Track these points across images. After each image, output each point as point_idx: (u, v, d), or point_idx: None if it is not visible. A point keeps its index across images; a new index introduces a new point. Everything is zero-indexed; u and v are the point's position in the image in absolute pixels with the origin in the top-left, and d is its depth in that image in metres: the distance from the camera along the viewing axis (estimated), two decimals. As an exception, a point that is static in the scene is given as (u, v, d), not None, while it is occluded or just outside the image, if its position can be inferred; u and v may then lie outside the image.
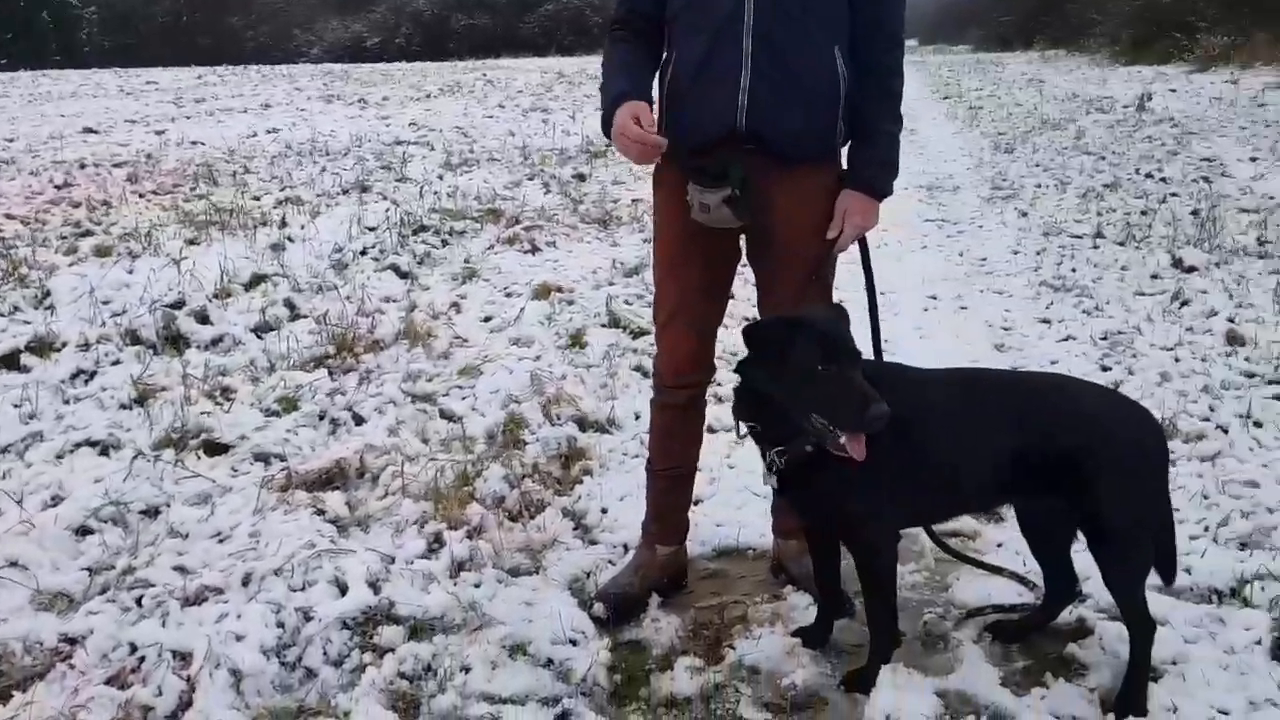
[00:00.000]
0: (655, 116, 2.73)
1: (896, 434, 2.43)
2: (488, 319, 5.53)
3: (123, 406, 4.19)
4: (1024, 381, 2.87)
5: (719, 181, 2.65)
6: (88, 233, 7.28)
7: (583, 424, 4.18)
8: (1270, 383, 4.61)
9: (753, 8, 2.61)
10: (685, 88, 2.73)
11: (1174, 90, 17.27)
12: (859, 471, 2.45)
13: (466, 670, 2.64)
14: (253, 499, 3.35)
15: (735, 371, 2.59)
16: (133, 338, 4.91)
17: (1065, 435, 2.50)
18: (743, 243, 2.91)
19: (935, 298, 6.36)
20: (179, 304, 5.33)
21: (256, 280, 5.93)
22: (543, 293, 5.93)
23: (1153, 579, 2.97)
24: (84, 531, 3.19)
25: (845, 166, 2.81)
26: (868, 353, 2.86)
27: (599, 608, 2.95)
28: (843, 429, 2.33)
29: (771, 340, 2.46)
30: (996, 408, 2.56)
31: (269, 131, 13.15)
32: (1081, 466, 2.48)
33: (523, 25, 44.68)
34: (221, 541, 3.13)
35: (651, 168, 2.93)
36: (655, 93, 2.84)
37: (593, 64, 28.69)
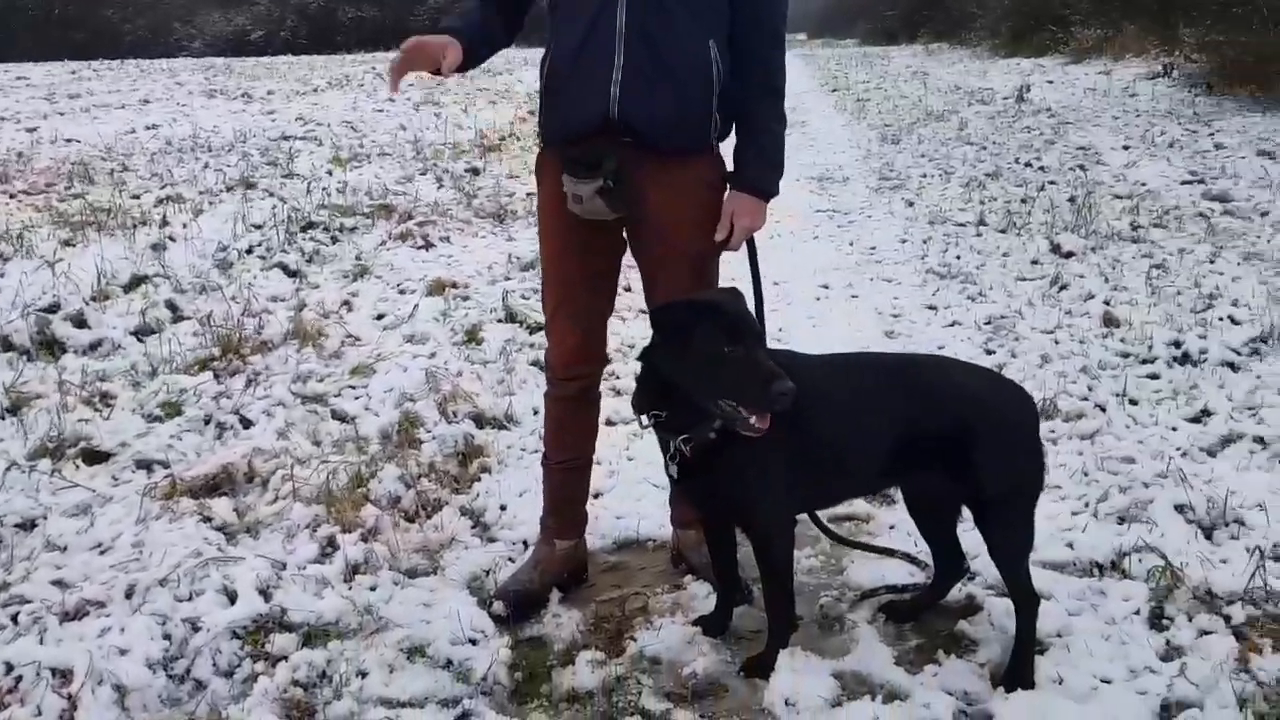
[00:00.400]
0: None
1: (789, 420, 2.47)
2: (380, 317, 5.44)
3: (-6, 415, 4.00)
4: (905, 363, 2.93)
5: (592, 172, 2.66)
6: (-46, 235, 6.93)
7: (480, 421, 4.14)
8: (1144, 362, 4.80)
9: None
10: (562, 78, 2.72)
11: (1051, 82, 17.85)
12: (755, 459, 2.49)
13: (363, 675, 2.59)
14: (135, 508, 3.24)
15: (639, 359, 2.59)
16: (4, 344, 4.70)
17: (946, 414, 2.57)
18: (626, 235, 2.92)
19: (827, 286, 6.46)
20: (54, 308, 5.12)
21: (136, 282, 5.73)
22: (437, 289, 5.86)
23: (1037, 555, 3.10)
24: (-46, 548, 3.04)
25: (731, 166, 2.81)
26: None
27: (499, 606, 2.92)
28: (751, 409, 2.35)
29: (678, 323, 2.46)
30: (881, 390, 2.62)
31: (148, 128, 12.70)
32: (962, 444, 2.56)
33: (413, 17, 43.98)
34: (103, 553, 3.02)
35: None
36: (537, 84, 2.86)
37: (484, 57, 28.41)
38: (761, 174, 2.79)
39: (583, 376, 3.02)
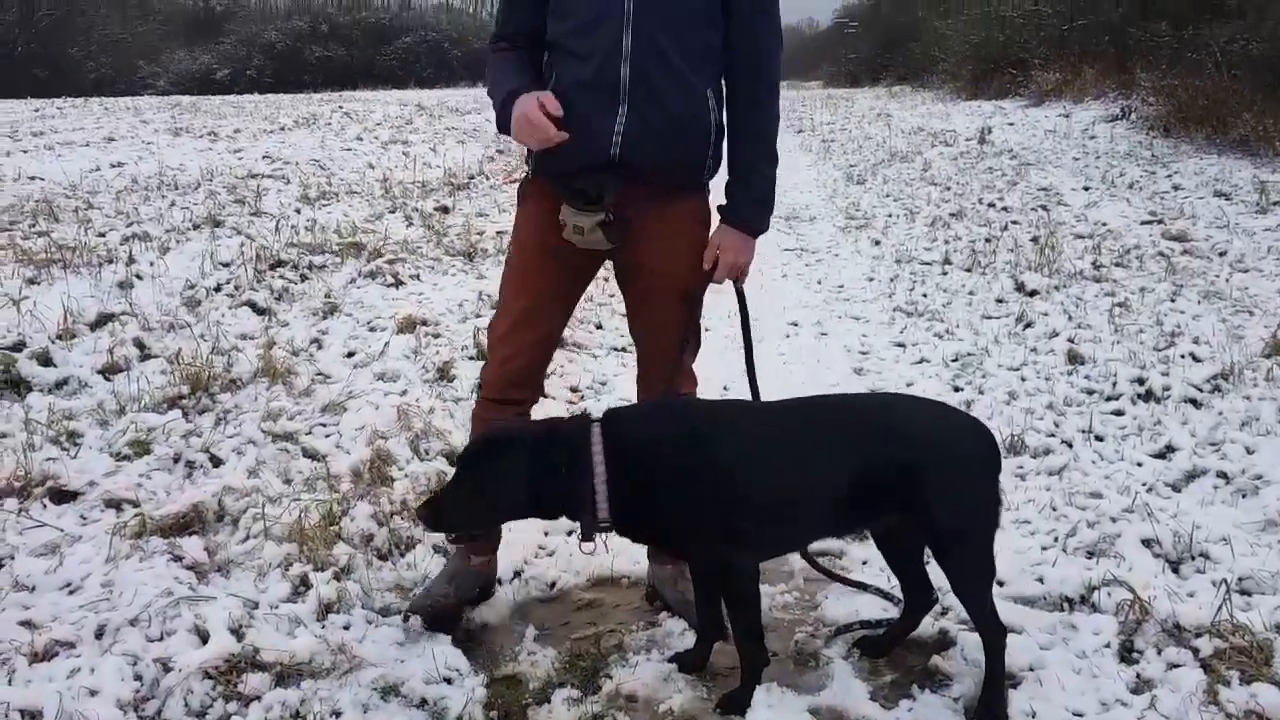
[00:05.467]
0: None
1: (730, 469, 2.51)
2: (351, 354, 5.42)
3: (-42, 455, 3.94)
4: (852, 405, 2.94)
5: (594, 205, 2.74)
6: (-85, 273, 6.84)
7: (452, 458, 4.12)
8: (1108, 398, 4.87)
9: (631, 44, 2.71)
10: (564, 113, 2.75)
11: (1012, 124, 18.14)
12: (681, 510, 2.56)
13: (337, 715, 2.58)
14: (105, 547, 3.20)
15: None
16: (-32, 383, 4.63)
17: (896, 453, 2.59)
18: (603, 266, 3.04)
19: (796, 324, 6.52)
20: (19, 346, 5.05)
21: (103, 320, 5.66)
22: (408, 326, 5.84)
23: (1008, 590, 3.13)
24: (-83, 589, 2.98)
25: (723, 202, 2.93)
26: (744, 391, 2.97)
27: (415, 621, 2.99)
28: None
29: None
30: (825, 434, 2.65)
31: (113, 166, 12.59)
32: (913, 481, 2.58)
33: (380, 57, 44.12)
34: (72, 593, 2.97)
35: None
36: None
37: (453, 96, 28.55)
38: (753, 212, 2.93)
39: (517, 403, 3.03)
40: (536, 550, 3.52)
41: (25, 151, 14.16)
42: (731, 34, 2.86)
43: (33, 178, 11.47)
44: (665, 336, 2.98)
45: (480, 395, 3.11)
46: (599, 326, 6.35)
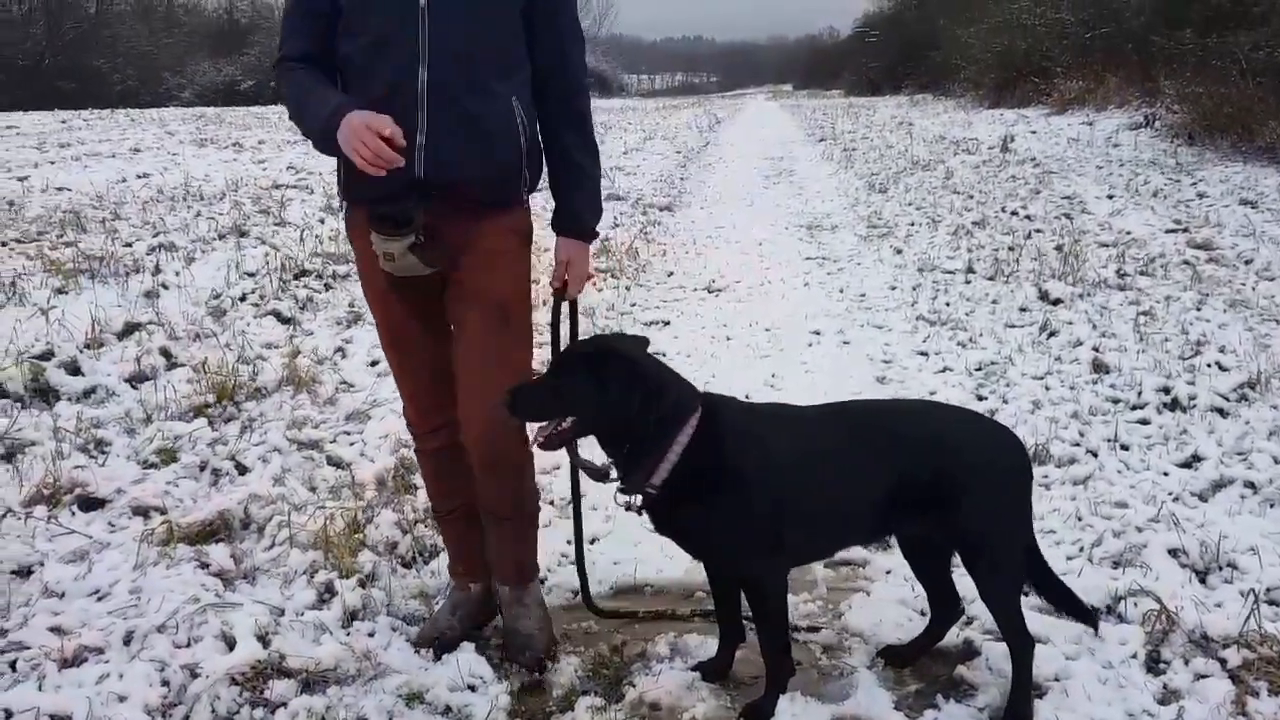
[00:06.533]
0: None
1: (770, 475, 2.51)
2: (375, 363, 5.45)
3: (-11, 463, 3.98)
4: (890, 410, 2.95)
5: (402, 229, 2.57)
6: (-54, 283, 6.93)
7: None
8: (1134, 408, 4.84)
9: (428, 57, 2.56)
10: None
11: (1034, 132, 18.09)
12: (724, 511, 2.52)
13: (362, 722, 2.58)
14: (132, 554, 3.23)
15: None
16: (-2, 391, 4.69)
17: (933, 460, 2.59)
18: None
19: (819, 333, 6.51)
20: (48, 355, 5.11)
21: (130, 329, 5.72)
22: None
23: (1033, 600, 3.11)
24: (-51, 595, 3.02)
25: (560, 211, 2.85)
26: (765, 400, 2.93)
27: (425, 654, 2.92)
28: None
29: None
30: (866, 440, 2.64)
31: (139, 177, 12.73)
32: (946, 489, 2.58)
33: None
34: (100, 599, 3.01)
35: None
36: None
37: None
38: (589, 219, 2.87)
39: (442, 427, 2.92)
40: (560, 558, 3.52)
41: (53, 163, 14.34)
42: (535, 38, 2.73)
43: (60, 189, 11.61)
44: (493, 352, 2.75)
45: (410, 432, 3.05)
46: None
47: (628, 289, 7.59)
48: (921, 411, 2.94)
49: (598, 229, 2.92)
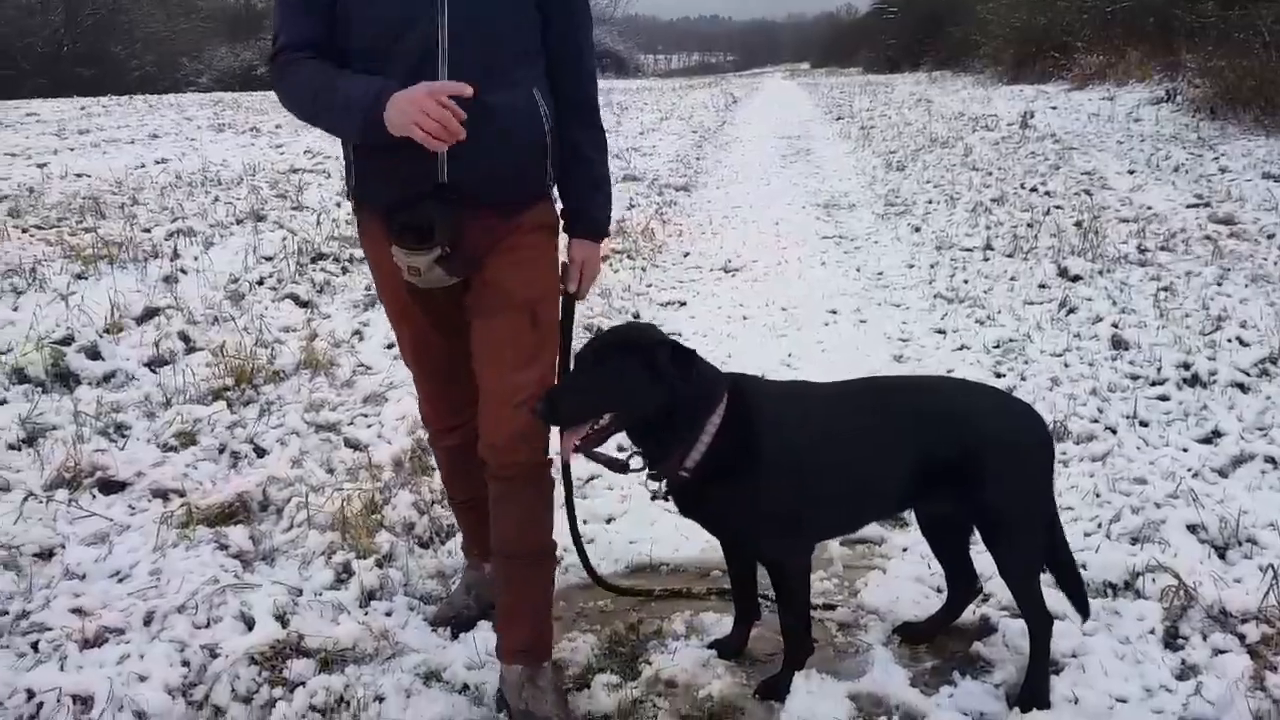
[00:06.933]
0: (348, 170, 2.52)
1: (799, 455, 2.50)
2: (391, 345, 5.45)
3: (11, 447, 4.01)
4: (913, 387, 2.94)
5: (426, 242, 2.38)
6: (-33, 270, 6.99)
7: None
8: (1153, 384, 4.81)
9: (447, 46, 2.35)
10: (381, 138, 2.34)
11: (1055, 108, 17.92)
12: (755, 493, 2.51)
13: (380, 700, 2.61)
14: (152, 536, 3.26)
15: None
16: (20, 376, 4.72)
17: (957, 436, 2.59)
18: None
19: (835, 312, 6.49)
20: (68, 340, 5.15)
21: (149, 314, 5.76)
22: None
23: (1050, 577, 3.10)
24: (-27, 578, 3.05)
25: (572, 212, 2.68)
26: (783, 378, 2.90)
27: (442, 632, 2.92)
28: None
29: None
30: (892, 416, 2.64)
31: (158, 162, 12.78)
32: (969, 465, 2.57)
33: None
34: (121, 581, 3.04)
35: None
36: (340, 144, 2.57)
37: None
38: (603, 218, 2.72)
39: (459, 427, 2.83)
40: (577, 538, 3.53)
41: (72, 149, 14.41)
42: (548, 23, 2.53)
43: (79, 175, 11.67)
44: (520, 360, 2.54)
45: (427, 428, 3.00)
46: (636, 316, 6.35)
47: (643, 270, 7.58)
48: (944, 387, 2.93)
49: (609, 225, 2.77)
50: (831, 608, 3.12)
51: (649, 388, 2.43)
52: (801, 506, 2.57)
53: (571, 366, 2.69)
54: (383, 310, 5.42)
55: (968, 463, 2.59)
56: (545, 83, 2.55)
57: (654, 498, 2.62)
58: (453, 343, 2.66)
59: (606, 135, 2.74)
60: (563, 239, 2.70)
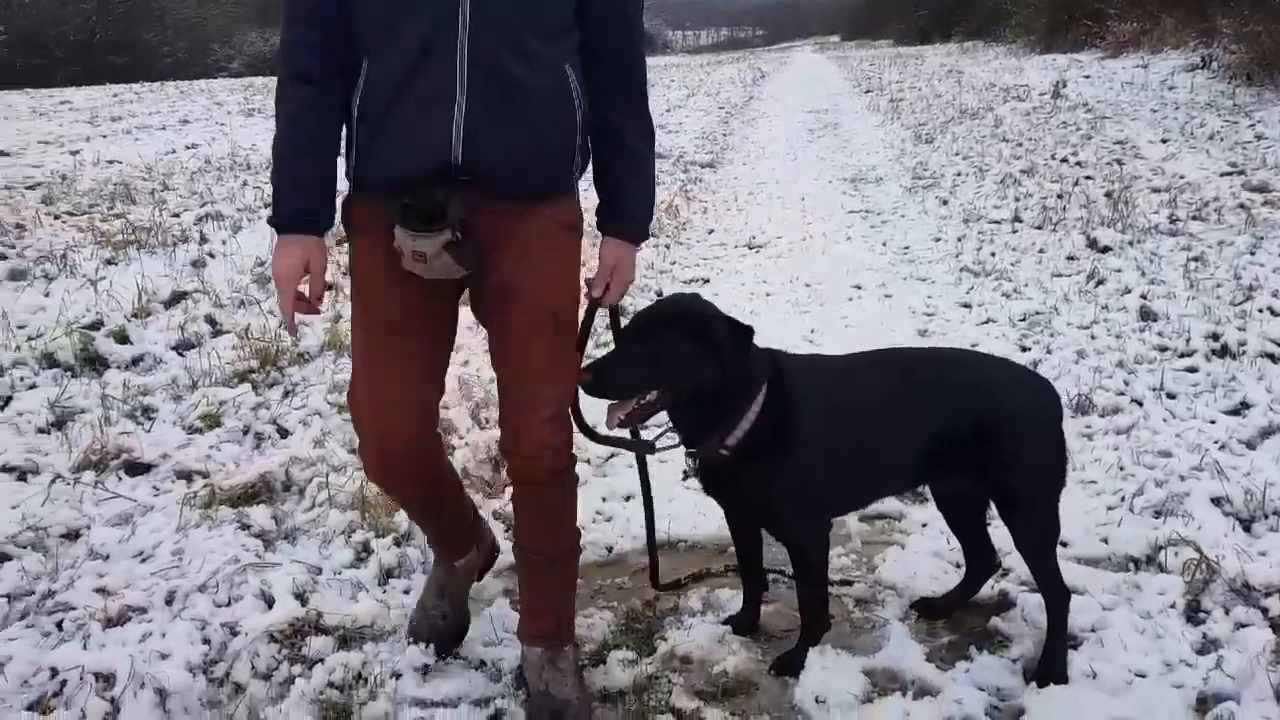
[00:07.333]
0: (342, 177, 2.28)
1: (833, 432, 2.49)
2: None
3: (40, 431, 4.08)
4: (932, 358, 2.90)
5: (435, 224, 2.16)
6: (1, 257, 7.09)
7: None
8: (1181, 355, 4.75)
9: (469, 15, 2.12)
10: (382, 111, 2.20)
11: (1088, 76, 17.63)
12: (786, 474, 2.50)
13: (397, 676, 2.63)
14: (175, 517, 3.30)
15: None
16: (49, 361, 4.79)
17: (974, 409, 2.57)
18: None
19: (860, 287, 6.44)
20: (97, 324, 5.22)
21: (177, 298, 5.82)
22: (469, 297, 5.89)
23: (1072, 551, 3.08)
24: (2, 558, 3.10)
25: (608, 208, 2.42)
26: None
27: (421, 648, 2.72)
28: None
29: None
30: (908, 388, 2.62)
31: (188, 148, 12.88)
32: (986, 439, 2.55)
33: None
34: (144, 561, 3.07)
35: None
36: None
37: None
38: (643, 219, 2.45)
39: (407, 475, 2.49)
40: (594, 515, 3.54)
41: (104, 136, 14.55)
42: None
43: (111, 161, 11.78)
44: (542, 371, 2.36)
45: (384, 475, 2.51)
46: (659, 294, 6.33)
47: (667, 247, 7.55)
48: (962, 359, 2.90)
49: (648, 228, 2.50)
50: (849, 583, 3.11)
51: (702, 363, 2.39)
52: (830, 484, 2.56)
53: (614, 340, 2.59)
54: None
55: (985, 436, 2.57)
56: (579, 62, 2.29)
57: (686, 476, 2.61)
58: (438, 365, 2.44)
59: (655, 126, 2.46)
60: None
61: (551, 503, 2.51)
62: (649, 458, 2.83)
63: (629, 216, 2.42)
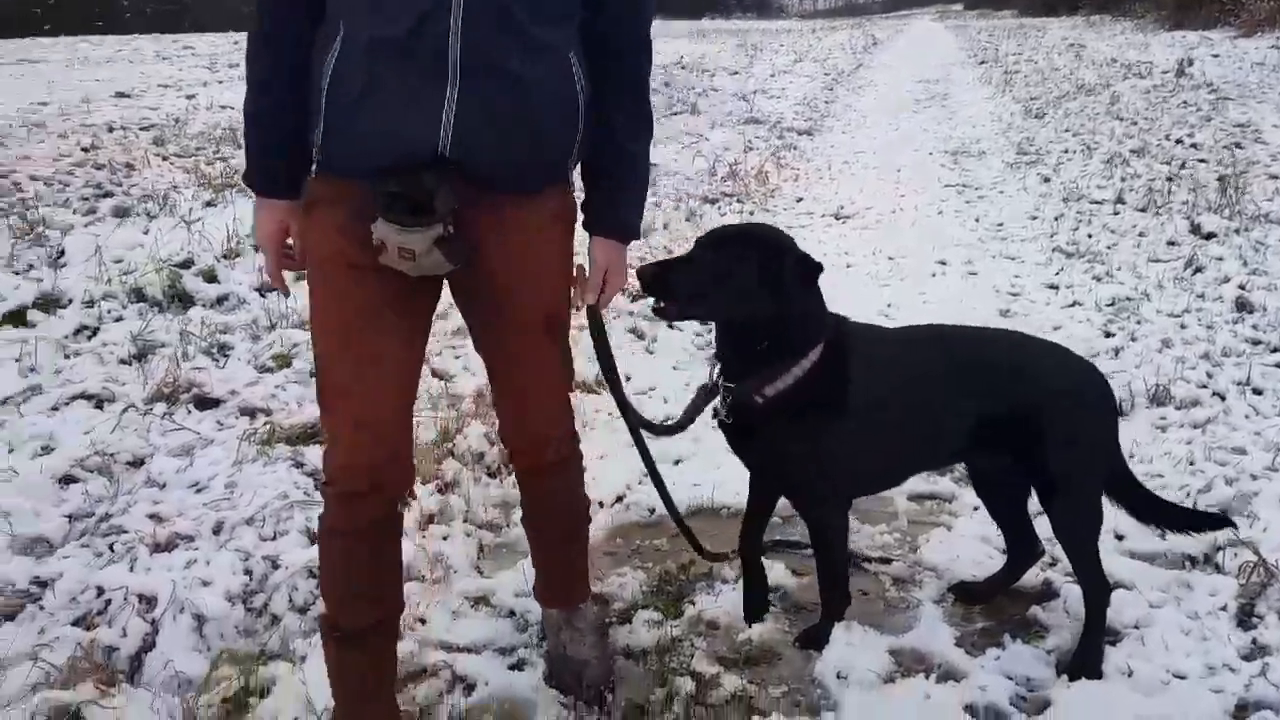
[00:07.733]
0: (317, 136, 2.00)
1: (879, 404, 2.45)
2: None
3: (122, 362, 4.24)
4: (977, 338, 2.80)
5: (424, 217, 1.92)
6: (108, 194, 7.36)
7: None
8: (1275, 350, 4.53)
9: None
10: (360, 87, 1.92)
11: (1216, 55, 16.85)
12: (807, 438, 2.45)
13: (422, 622, 2.68)
14: (234, 451, 3.40)
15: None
16: (138, 295, 4.98)
17: (1020, 392, 2.49)
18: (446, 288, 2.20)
19: (944, 263, 6.29)
20: (188, 263, 5.40)
21: (266, 241, 5.98)
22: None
23: (1126, 544, 2.98)
24: (69, 480, 3.25)
25: (597, 206, 2.23)
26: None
27: None
28: None
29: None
30: (950, 367, 2.55)
31: (298, 94, 13.20)
32: (1032, 422, 2.47)
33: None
34: (198, 491, 3.18)
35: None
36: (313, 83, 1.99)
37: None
38: (635, 216, 2.27)
39: (385, 488, 2.11)
40: (641, 477, 3.53)
41: (221, 82, 14.94)
42: None
43: (224, 107, 12.10)
44: (536, 369, 2.24)
45: (330, 495, 2.13)
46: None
47: (751, 214, 7.47)
48: (1009, 340, 2.80)
49: (640, 225, 2.32)
50: (887, 561, 3.06)
51: (763, 291, 2.34)
52: (860, 458, 2.51)
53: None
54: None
55: (1029, 419, 2.49)
56: (581, 48, 2.08)
57: (714, 415, 2.55)
58: (406, 367, 2.14)
59: (654, 121, 2.28)
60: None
61: (557, 488, 2.43)
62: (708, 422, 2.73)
63: (620, 217, 2.25)
